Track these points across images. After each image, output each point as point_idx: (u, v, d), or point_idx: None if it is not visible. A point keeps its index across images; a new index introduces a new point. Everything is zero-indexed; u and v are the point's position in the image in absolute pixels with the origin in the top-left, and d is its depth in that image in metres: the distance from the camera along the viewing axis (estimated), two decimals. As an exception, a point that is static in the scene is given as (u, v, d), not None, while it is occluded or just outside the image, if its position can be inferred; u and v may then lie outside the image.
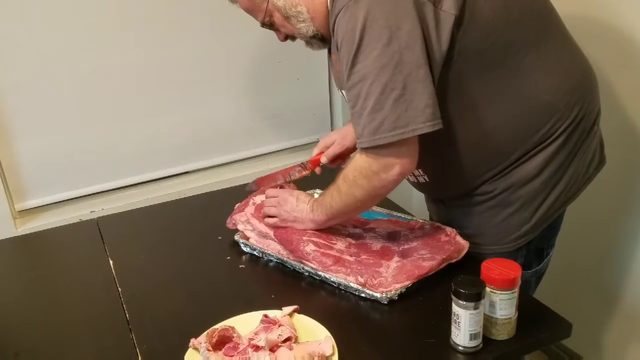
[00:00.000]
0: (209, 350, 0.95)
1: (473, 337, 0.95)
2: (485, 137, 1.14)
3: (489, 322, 0.98)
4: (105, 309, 1.17)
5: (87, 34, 1.67)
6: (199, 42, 1.82)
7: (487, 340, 0.98)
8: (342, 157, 1.40)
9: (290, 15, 1.15)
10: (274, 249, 1.27)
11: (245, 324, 1.03)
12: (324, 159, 1.40)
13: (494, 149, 1.15)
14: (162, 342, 1.05)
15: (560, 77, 1.14)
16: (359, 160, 1.10)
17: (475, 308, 0.93)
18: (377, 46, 1.00)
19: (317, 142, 2.09)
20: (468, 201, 1.22)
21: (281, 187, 1.39)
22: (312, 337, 1.00)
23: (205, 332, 0.99)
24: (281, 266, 1.25)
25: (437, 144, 1.14)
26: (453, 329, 0.96)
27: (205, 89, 1.88)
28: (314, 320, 1.03)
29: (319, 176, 1.43)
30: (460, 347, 0.96)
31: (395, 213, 1.42)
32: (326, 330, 1.00)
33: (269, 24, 1.21)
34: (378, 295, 1.09)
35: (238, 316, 1.05)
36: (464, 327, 0.94)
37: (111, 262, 1.32)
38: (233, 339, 0.99)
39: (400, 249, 1.22)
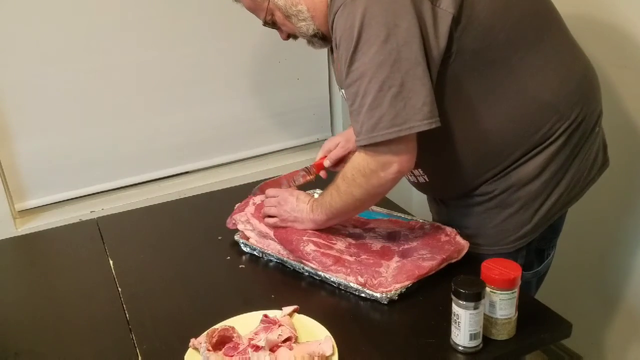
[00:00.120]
0: (209, 350, 0.95)
1: (473, 337, 0.95)
2: (483, 137, 1.14)
3: (489, 322, 0.98)
4: (105, 309, 1.17)
5: (87, 34, 1.67)
6: (199, 42, 1.82)
7: (487, 340, 0.98)
8: (345, 160, 1.40)
9: (291, 14, 1.15)
10: (274, 249, 1.27)
11: (245, 324, 1.03)
12: (327, 163, 1.40)
13: (492, 148, 1.15)
14: (162, 342, 1.05)
15: (560, 78, 1.14)
16: (357, 159, 1.10)
17: (475, 308, 0.93)
18: (374, 43, 1.00)
19: (317, 142, 2.12)
20: (468, 201, 1.22)
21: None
22: (312, 337, 1.00)
23: (205, 332, 0.99)
24: (281, 266, 1.25)
25: (436, 143, 1.14)
26: (453, 329, 0.96)
27: (205, 89, 1.88)
28: (314, 320, 1.03)
29: (320, 177, 1.43)
30: (460, 347, 0.96)
31: (395, 213, 1.41)
32: (326, 330, 1.00)
33: (271, 23, 1.21)
34: (378, 295, 1.09)
35: (238, 316, 1.05)
36: (464, 327, 0.94)
37: (111, 262, 1.32)
38: (233, 339, 0.99)
39: (400, 249, 1.22)
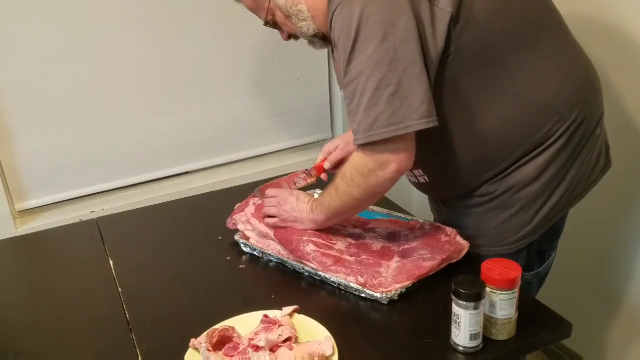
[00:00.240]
0: (209, 350, 0.95)
1: (473, 337, 0.95)
2: (482, 137, 1.14)
3: (489, 322, 0.98)
4: (105, 309, 1.17)
5: (87, 34, 1.67)
6: (199, 42, 1.82)
7: (487, 340, 0.98)
8: (345, 162, 1.40)
9: (291, 13, 1.15)
10: (274, 249, 1.27)
11: (245, 324, 1.03)
12: (327, 165, 1.41)
13: (492, 149, 1.15)
14: (162, 342, 1.05)
15: (560, 78, 1.14)
16: (355, 158, 1.10)
17: (475, 308, 0.93)
18: (372, 42, 1.00)
19: (317, 142, 2.12)
20: (468, 202, 1.22)
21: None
22: (312, 337, 1.00)
23: (205, 332, 0.99)
24: (281, 266, 1.25)
25: (435, 143, 1.14)
26: (453, 329, 0.96)
27: (205, 89, 1.88)
28: (314, 320, 1.03)
29: (321, 179, 1.43)
30: (460, 347, 0.96)
31: (395, 213, 1.41)
32: (326, 330, 1.00)
33: (272, 23, 1.21)
34: (378, 295, 1.09)
35: (238, 316, 1.05)
36: (464, 327, 0.94)
37: (111, 262, 1.32)
38: (233, 339, 0.99)
39: (400, 249, 1.22)
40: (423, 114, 1.01)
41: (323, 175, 1.42)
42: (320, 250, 1.18)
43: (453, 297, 0.94)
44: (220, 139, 1.95)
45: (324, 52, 2.00)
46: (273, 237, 1.26)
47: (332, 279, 1.16)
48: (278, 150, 2.07)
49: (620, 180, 1.50)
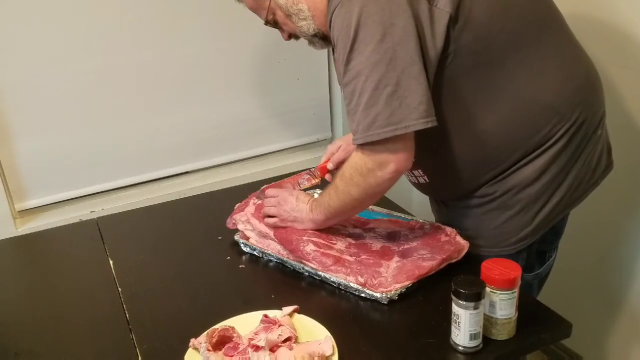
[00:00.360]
0: (209, 350, 0.95)
1: (473, 337, 0.95)
2: (482, 138, 1.13)
3: (489, 322, 0.98)
4: (105, 309, 1.17)
5: (87, 34, 1.67)
6: (199, 42, 1.82)
7: (487, 340, 0.98)
8: None
9: (292, 13, 1.15)
10: (274, 249, 1.27)
11: (245, 324, 1.03)
12: (330, 165, 1.41)
13: (492, 149, 1.14)
14: (162, 342, 1.05)
15: (561, 79, 1.13)
16: (354, 158, 1.10)
17: (475, 308, 0.93)
18: (371, 42, 1.00)
19: (317, 142, 2.12)
20: (468, 203, 1.22)
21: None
22: (312, 337, 1.00)
23: (205, 332, 0.99)
24: (281, 266, 1.25)
25: (435, 144, 1.14)
26: (453, 329, 0.96)
27: (205, 89, 1.88)
28: (314, 320, 1.03)
29: (325, 179, 1.43)
30: (460, 347, 0.96)
31: (395, 213, 1.41)
32: (326, 330, 1.00)
33: (273, 22, 1.21)
34: (378, 295, 1.09)
35: (238, 316, 1.05)
36: (464, 327, 0.94)
37: (111, 262, 1.32)
38: (233, 339, 0.99)
39: (400, 249, 1.22)
40: (422, 114, 1.01)
41: (327, 176, 1.42)
42: (320, 250, 1.18)
43: (453, 297, 0.94)
44: (220, 139, 1.95)
45: (324, 52, 2.00)
46: (273, 237, 1.26)
47: (332, 279, 1.16)
48: (278, 150, 2.07)
49: (622, 181, 1.49)
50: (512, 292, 0.96)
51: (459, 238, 1.20)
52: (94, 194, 1.83)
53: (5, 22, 1.57)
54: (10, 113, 1.65)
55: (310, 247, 1.19)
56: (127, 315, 1.14)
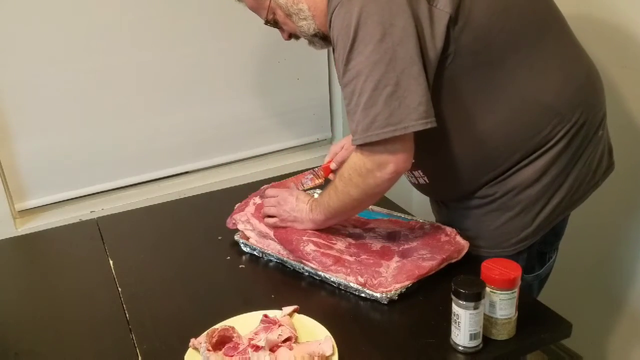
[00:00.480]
0: (209, 350, 0.95)
1: (473, 337, 0.95)
2: (482, 139, 1.13)
3: (489, 322, 0.98)
4: (105, 309, 1.17)
5: (87, 34, 1.67)
6: (199, 42, 1.82)
7: (487, 340, 0.98)
8: None
9: (292, 12, 1.15)
10: (274, 249, 1.27)
11: (245, 324, 1.03)
12: (333, 165, 1.41)
13: (492, 150, 1.14)
14: (162, 342, 1.05)
15: (561, 79, 1.13)
16: (353, 158, 1.10)
17: (475, 308, 0.93)
18: (370, 42, 1.00)
19: (317, 142, 2.12)
20: (468, 204, 1.22)
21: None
22: (312, 337, 1.00)
23: (205, 332, 0.99)
24: (281, 266, 1.25)
25: (435, 145, 1.14)
26: (453, 329, 0.96)
27: (205, 89, 1.87)
28: (314, 320, 1.03)
29: (328, 179, 1.43)
30: (460, 347, 0.96)
31: (395, 213, 1.41)
32: (326, 330, 1.00)
33: (273, 22, 1.21)
34: (378, 295, 1.09)
35: (238, 316, 1.05)
36: (464, 327, 0.94)
37: (111, 262, 1.32)
38: (233, 339, 0.99)
39: (400, 249, 1.22)
40: (421, 114, 1.01)
41: (331, 176, 1.42)
42: (320, 250, 1.18)
43: (453, 297, 0.94)
44: (220, 139, 1.95)
45: (324, 52, 2.00)
46: (273, 237, 1.26)
47: (332, 279, 1.16)
48: (278, 150, 2.07)
49: (623, 182, 1.49)
50: (512, 292, 0.96)
51: (459, 238, 1.20)
52: (94, 194, 1.83)
53: (5, 22, 1.57)
54: (10, 113, 1.65)
55: (310, 247, 1.19)
56: (127, 315, 1.14)
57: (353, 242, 1.24)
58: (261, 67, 1.94)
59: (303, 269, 1.21)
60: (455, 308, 0.94)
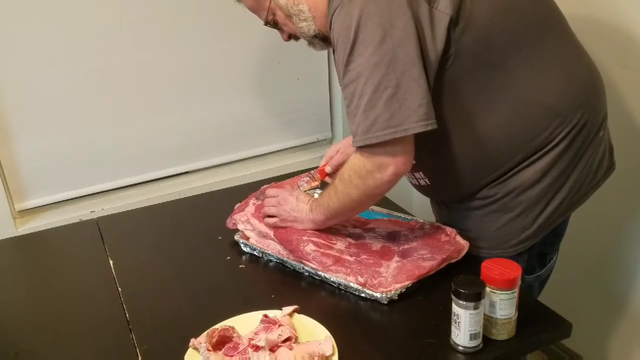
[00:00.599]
0: (209, 350, 0.95)
1: (473, 337, 0.95)
2: (483, 140, 1.13)
3: (489, 322, 0.98)
4: (105, 309, 1.17)
5: (87, 34, 1.67)
6: (199, 42, 1.82)
7: (487, 340, 0.98)
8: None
9: (292, 13, 1.15)
10: (274, 249, 1.27)
11: (245, 324, 1.03)
12: (328, 169, 1.41)
13: (492, 152, 1.14)
14: (162, 342, 1.05)
15: (562, 81, 1.13)
16: (353, 160, 1.10)
17: (475, 308, 0.93)
18: (370, 44, 0.99)
19: (317, 142, 2.12)
20: (469, 205, 1.22)
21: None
22: (312, 337, 1.00)
23: (205, 332, 0.99)
24: (281, 266, 1.25)
25: (435, 146, 1.14)
26: (453, 329, 0.96)
27: (205, 89, 1.87)
28: (314, 320, 1.03)
29: (325, 181, 1.43)
30: (460, 347, 0.96)
31: (395, 213, 1.41)
32: (326, 330, 1.00)
33: (273, 23, 1.21)
34: (378, 295, 1.09)
35: (238, 316, 1.05)
36: (464, 327, 0.94)
37: (111, 262, 1.32)
38: (233, 339, 0.99)
39: (400, 249, 1.22)
40: (421, 116, 1.01)
41: (328, 179, 1.42)
42: (320, 250, 1.18)
43: (453, 297, 0.94)
44: (220, 139, 1.95)
45: (323, 52, 2.00)
46: (273, 237, 1.26)
47: (332, 279, 1.16)
48: (278, 150, 2.07)
49: (624, 182, 1.49)
50: (512, 292, 0.96)
51: (459, 238, 1.20)
52: (94, 194, 1.83)
53: (5, 22, 1.57)
54: (10, 113, 1.65)
55: (310, 247, 1.19)
56: (127, 315, 1.14)
57: (353, 242, 1.24)
58: (261, 67, 1.94)
59: (303, 269, 1.21)
60: (455, 308, 0.94)
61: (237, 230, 1.35)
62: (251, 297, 1.17)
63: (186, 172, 1.95)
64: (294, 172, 1.53)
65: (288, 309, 1.05)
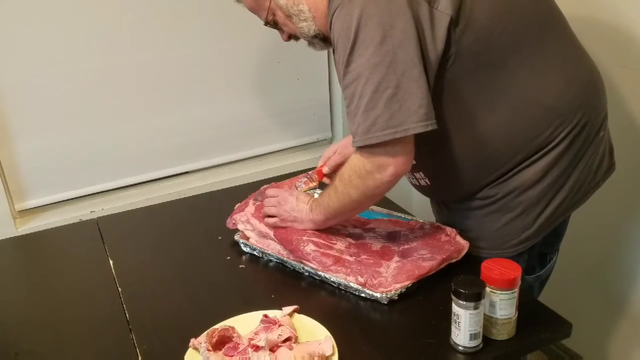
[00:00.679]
0: (209, 350, 0.95)
1: (473, 337, 0.95)
2: (483, 140, 1.13)
3: (489, 322, 0.98)
4: (105, 309, 1.17)
5: (87, 33, 1.67)
6: (199, 42, 1.82)
7: (487, 340, 0.98)
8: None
9: (292, 13, 1.15)
10: (274, 249, 1.27)
11: (245, 324, 1.03)
12: (326, 169, 1.41)
13: (493, 152, 1.14)
14: (162, 342, 1.05)
15: (563, 81, 1.13)
16: (353, 160, 1.10)
17: (475, 308, 0.93)
18: (371, 45, 0.99)
19: (317, 142, 2.12)
20: (469, 205, 1.22)
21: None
22: (312, 337, 1.00)
23: (205, 332, 0.99)
24: (281, 266, 1.25)
25: (436, 147, 1.14)
26: (453, 329, 0.96)
27: (205, 89, 1.87)
28: (314, 320, 1.03)
29: (323, 181, 1.43)
30: (460, 347, 0.96)
31: (395, 213, 1.41)
32: (326, 330, 1.00)
33: (273, 23, 1.21)
34: (378, 295, 1.09)
35: (238, 316, 1.05)
36: (464, 327, 0.94)
37: (111, 262, 1.32)
38: (233, 339, 0.99)
39: (400, 249, 1.22)
40: (421, 117, 1.01)
41: (326, 179, 1.42)
42: (320, 250, 1.18)
43: (453, 297, 0.94)
44: (220, 139, 1.95)
45: (323, 52, 2.00)
46: (273, 237, 1.26)
47: (332, 279, 1.16)
48: (278, 150, 2.07)
49: (624, 182, 1.49)
50: (512, 292, 0.96)
51: (459, 238, 1.20)
52: (94, 194, 1.83)
53: (5, 22, 1.57)
54: (10, 113, 1.65)
55: (310, 247, 1.19)
56: (127, 315, 1.14)
57: (353, 242, 1.24)
58: (261, 67, 1.94)
59: (303, 269, 1.21)
60: (455, 308, 0.94)
61: (237, 230, 1.35)
62: (251, 297, 1.17)
63: (186, 172, 1.95)
64: (294, 172, 1.53)
65: (288, 309, 1.05)
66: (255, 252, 1.30)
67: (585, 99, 1.15)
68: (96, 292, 1.23)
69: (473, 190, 1.19)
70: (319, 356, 0.94)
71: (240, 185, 1.72)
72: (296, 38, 1.25)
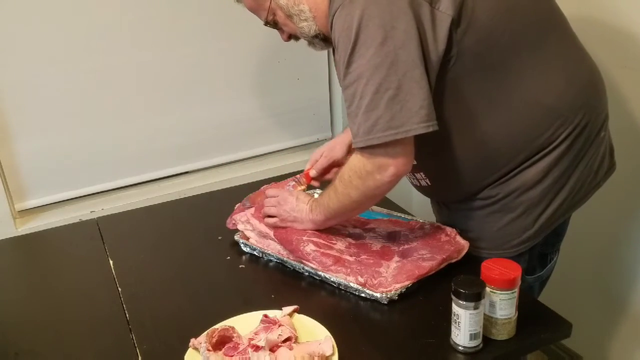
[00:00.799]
0: (209, 350, 0.95)
1: (473, 337, 0.95)
2: (485, 141, 1.13)
3: (489, 322, 0.98)
4: (105, 309, 1.17)
5: (87, 34, 1.67)
6: (199, 42, 1.82)
7: (487, 340, 0.98)
8: (330, 170, 1.40)
9: (293, 13, 1.15)
10: (274, 249, 1.27)
11: (245, 324, 1.03)
12: (312, 173, 1.41)
13: (494, 152, 1.14)
14: (162, 342, 1.05)
15: (564, 81, 1.13)
16: (354, 160, 1.10)
17: (475, 308, 0.93)
18: (372, 45, 0.99)
19: (317, 142, 2.12)
20: (470, 205, 1.22)
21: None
22: (312, 337, 1.00)
23: (205, 332, 0.99)
24: (281, 266, 1.25)
25: (437, 147, 1.14)
26: (453, 329, 0.96)
27: (205, 89, 1.88)
28: (314, 320, 1.03)
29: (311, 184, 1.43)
30: (460, 347, 0.96)
31: (395, 213, 1.41)
32: (326, 330, 1.00)
33: (273, 23, 1.21)
34: (378, 295, 1.09)
35: (238, 316, 1.05)
36: (464, 327, 0.94)
37: (111, 262, 1.32)
38: (233, 339, 0.99)
39: (400, 249, 1.22)
40: (423, 118, 1.01)
41: (314, 183, 1.42)
42: (320, 250, 1.18)
43: (453, 297, 0.94)
44: (220, 139, 1.95)
45: (324, 52, 2.00)
46: (273, 237, 1.26)
47: (332, 279, 1.16)
48: (278, 150, 2.07)
49: (624, 182, 1.49)
50: (512, 292, 0.96)
51: (459, 238, 1.20)
52: (94, 194, 1.83)
53: (5, 22, 1.57)
54: (10, 113, 1.65)
55: (310, 247, 1.19)
56: (127, 315, 1.14)
57: (353, 242, 1.24)
58: (261, 67, 1.94)
59: (303, 269, 1.21)
60: (455, 308, 0.94)
61: (237, 230, 1.35)
62: (251, 297, 1.17)
63: (186, 172, 1.95)
64: (293, 172, 1.52)
65: (288, 309, 1.05)
66: (255, 252, 1.30)
67: (586, 100, 1.15)
68: (96, 292, 1.23)
69: (474, 191, 1.19)
70: (319, 356, 0.94)
71: (240, 185, 1.72)
72: (296, 38, 1.24)
